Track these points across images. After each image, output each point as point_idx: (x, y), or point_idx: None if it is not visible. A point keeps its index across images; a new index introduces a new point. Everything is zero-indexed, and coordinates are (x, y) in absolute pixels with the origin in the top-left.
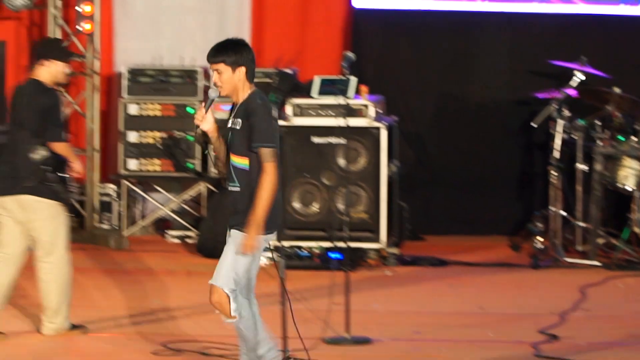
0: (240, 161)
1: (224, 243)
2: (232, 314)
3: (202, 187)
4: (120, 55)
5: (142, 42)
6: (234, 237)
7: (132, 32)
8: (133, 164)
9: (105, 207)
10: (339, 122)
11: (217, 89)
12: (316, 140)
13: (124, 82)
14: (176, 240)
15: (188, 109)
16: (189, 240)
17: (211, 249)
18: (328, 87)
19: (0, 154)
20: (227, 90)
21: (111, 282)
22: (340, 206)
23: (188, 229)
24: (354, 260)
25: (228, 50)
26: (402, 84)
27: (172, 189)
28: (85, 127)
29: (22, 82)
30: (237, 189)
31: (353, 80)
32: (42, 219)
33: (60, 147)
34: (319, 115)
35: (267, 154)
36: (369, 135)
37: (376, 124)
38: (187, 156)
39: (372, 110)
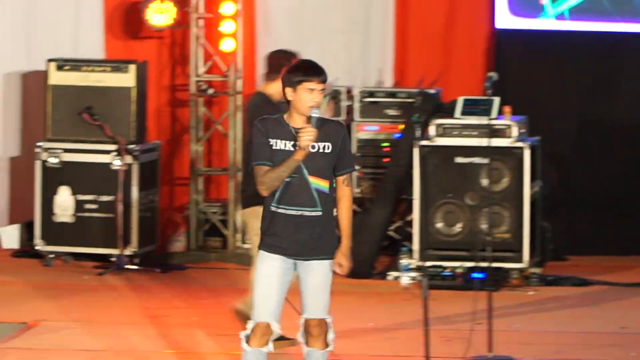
0: (325, 184)
1: (364, 262)
2: (332, 343)
3: None
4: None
5: None
6: (326, 268)
7: None
8: None
9: None
10: (482, 142)
11: (318, 109)
12: (459, 160)
13: None
14: None
15: None
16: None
17: (353, 268)
18: (471, 108)
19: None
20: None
21: None
22: (483, 226)
23: None
24: (496, 280)
25: (324, 70)
26: (544, 104)
27: None
28: (227, 146)
29: (250, 95)
30: (319, 213)
31: (496, 100)
32: (251, 228)
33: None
34: (462, 135)
35: (351, 177)
36: (512, 155)
37: (519, 144)
38: None
39: (515, 131)
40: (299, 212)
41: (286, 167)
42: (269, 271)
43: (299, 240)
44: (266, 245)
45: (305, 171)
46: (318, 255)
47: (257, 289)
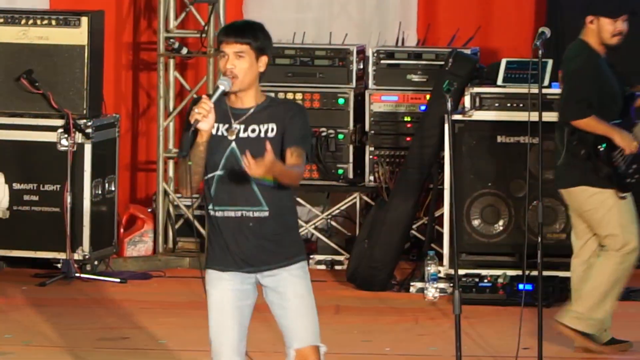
0: (270, 176)
1: (381, 270)
2: None
3: (355, 199)
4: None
5: (280, 14)
6: (300, 275)
7: (266, 1)
8: None
9: None
10: (531, 116)
11: (229, 78)
12: (501, 139)
13: None
14: (321, 267)
15: (339, 100)
16: (338, 267)
17: (366, 277)
18: (517, 72)
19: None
20: (243, 82)
21: None
22: (532, 224)
23: (337, 253)
24: (548, 292)
25: (256, 31)
26: None
27: (316, 202)
28: None
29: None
30: (265, 213)
31: (549, 63)
32: (590, 209)
33: (584, 124)
34: (505, 108)
35: (304, 155)
36: None
37: None
38: (336, 160)
39: None
40: (239, 213)
41: (191, 155)
42: (220, 296)
43: (247, 247)
44: (212, 261)
45: (242, 161)
46: (282, 262)
47: (210, 321)
